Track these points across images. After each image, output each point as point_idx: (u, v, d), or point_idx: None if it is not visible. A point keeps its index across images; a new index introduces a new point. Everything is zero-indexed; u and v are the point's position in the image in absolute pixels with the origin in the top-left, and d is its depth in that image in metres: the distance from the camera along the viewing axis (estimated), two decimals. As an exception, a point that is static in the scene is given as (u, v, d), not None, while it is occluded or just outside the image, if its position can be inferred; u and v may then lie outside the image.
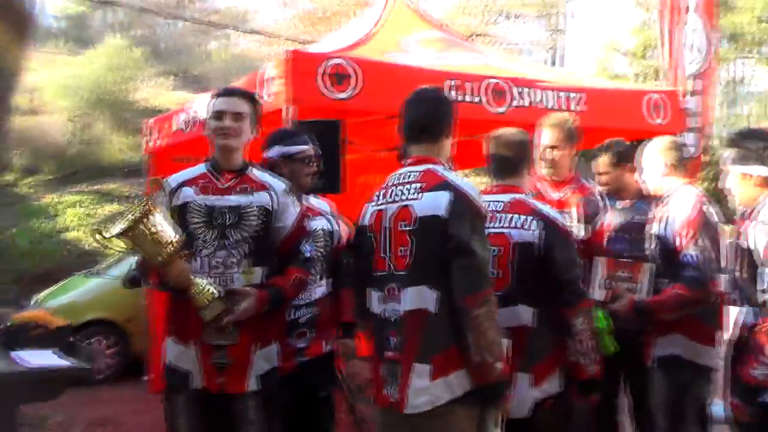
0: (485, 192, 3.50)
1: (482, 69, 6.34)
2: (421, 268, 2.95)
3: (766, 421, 3.27)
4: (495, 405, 2.95)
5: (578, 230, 4.43)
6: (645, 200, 4.46)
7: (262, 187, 3.57)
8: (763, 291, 3.26)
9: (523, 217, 3.34)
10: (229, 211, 3.46)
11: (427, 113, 3.22)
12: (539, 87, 6.18)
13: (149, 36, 28.48)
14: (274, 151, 4.04)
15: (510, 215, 3.37)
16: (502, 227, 3.35)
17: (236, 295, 3.35)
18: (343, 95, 5.14)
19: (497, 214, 3.39)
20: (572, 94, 6.33)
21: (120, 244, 3.37)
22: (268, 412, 3.50)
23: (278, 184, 3.64)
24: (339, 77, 5.12)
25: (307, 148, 4.15)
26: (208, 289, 3.30)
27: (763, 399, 3.26)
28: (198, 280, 3.31)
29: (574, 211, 4.55)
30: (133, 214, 3.25)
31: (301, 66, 5.04)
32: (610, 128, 6.64)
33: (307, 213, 3.87)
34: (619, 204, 4.64)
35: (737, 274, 3.52)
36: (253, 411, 3.45)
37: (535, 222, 3.31)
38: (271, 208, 3.53)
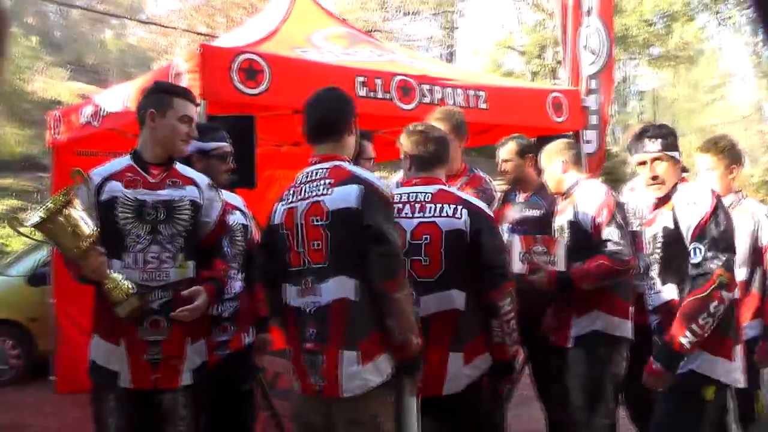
0: (407, 183, 3.65)
1: (389, 66, 6.43)
2: (338, 259, 3.07)
3: (683, 386, 3.52)
4: (413, 376, 3.14)
5: None
6: (540, 194, 4.74)
7: (190, 181, 3.57)
8: (696, 265, 3.47)
9: (452, 206, 3.45)
10: (161, 206, 3.43)
11: (329, 112, 3.32)
12: (444, 84, 6.31)
13: (40, 25, 27.50)
14: (191, 146, 4.03)
15: (439, 205, 3.48)
16: (433, 216, 3.46)
17: (186, 297, 3.35)
18: (254, 91, 5.13)
19: (426, 204, 3.50)
20: (476, 92, 6.48)
21: (37, 235, 3.31)
22: (196, 408, 3.49)
23: (202, 178, 3.65)
24: (251, 72, 5.12)
25: (225, 145, 4.17)
26: (125, 284, 3.25)
27: (685, 365, 3.50)
28: (114, 275, 3.26)
29: None
30: (53, 204, 3.16)
31: (213, 61, 5.00)
32: (514, 125, 6.87)
33: (227, 208, 3.88)
34: (518, 197, 4.88)
35: (650, 259, 3.77)
36: (182, 407, 3.43)
37: (463, 210, 3.44)
38: (200, 202, 3.54)
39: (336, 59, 6.22)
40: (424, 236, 3.43)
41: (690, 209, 3.57)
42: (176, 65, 5.16)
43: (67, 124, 7.23)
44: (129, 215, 3.38)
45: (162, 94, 3.58)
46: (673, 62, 34.77)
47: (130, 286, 3.26)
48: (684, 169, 3.88)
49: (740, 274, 4.24)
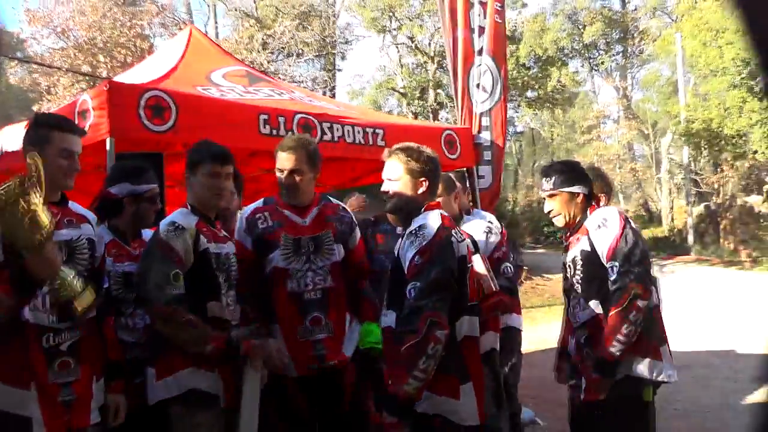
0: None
1: (290, 104, 6.52)
2: None
3: (624, 391, 3.91)
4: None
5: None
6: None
7: (83, 219, 3.58)
8: (613, 281, 3.89)
9: None
10: (63, 246, 3.36)
11: None
12: (344, 122, 6.43)
13: None
14: (122, 188, 4.05)
15: None
16: None
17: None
18: (161, 128, 5.14)
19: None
20: (374, 129, 6.64)
21: None
22: None
23: (90, 214, 3.69)
24: (158, 109, 5.14)
25: (155, 186, 4.19)
26: (75, 281, 3.17)
27: (619, 372, 3.90)
28: (66, 269, 3.16)
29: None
30: (7, 190, 2.82)
31: (120, 98, 4.98)
32: (410, 161, 7.08)
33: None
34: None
35: (573, 280, 4.16)
36: None
37: None
38: (95, 239, 3.58)
39: (238, 97, 6.29)
40: None
41: (602, 232, 4.00)
42: (82, 102, 5.12)
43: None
44: None
45: (39, 129, 3.44)
46: (549, 104, 36.18)
47: (79, 282, 3.18)
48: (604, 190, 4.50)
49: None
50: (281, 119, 5.92)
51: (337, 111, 6.94)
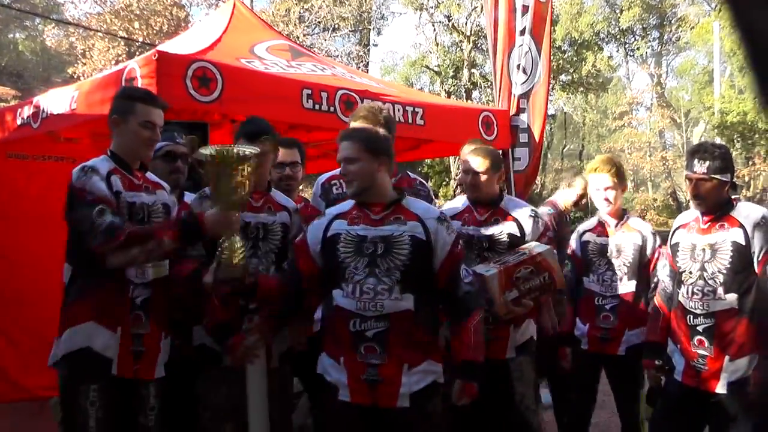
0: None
1: (332, 80, 6.57)
2: None
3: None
4: None
5: None
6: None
7: (159, 186, 3.83)
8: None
9: None
10: (144, 208, 3.67)
11: None
12: (385, 99, 6.47)
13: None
14: None
15: None
16: None
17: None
18: (207, 98, 5.21)
19: None
20: (414, 108, 6.68)
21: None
22: (164, 399, 3.70)
23: (164, 183, 3.93)
24: (204, 80, 5.21)
25: (168, 144, 4.30)
26: (241, 252, 3.41)
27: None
28: (237, 237, 3.41)
29: None
30: (238, 153, 3.31)
31: (168, 67, 5.04)
32: (448, 141, 7.13)
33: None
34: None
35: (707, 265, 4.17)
36: (154, 397, 3.63)
37: None
38: (170, 204, 3.82)
39: (282, 71, 6.35)
40: None
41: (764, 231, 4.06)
42: (130, 70, 5.19)
43: (0, 124, 7.12)
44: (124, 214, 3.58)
45: (125, 100, 3.71)
46: (583, 88, 35.91)
47: (242, 256, 3.41)
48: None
49: (630, 286, 4.85)
50: (324, 94, 5.97)
51: (377, 88, 6.99)
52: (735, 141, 28.09)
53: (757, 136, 25.89)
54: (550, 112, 40.75)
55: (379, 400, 3.39)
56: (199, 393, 3.85)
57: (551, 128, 42.02)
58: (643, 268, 4.87)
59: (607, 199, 4.89)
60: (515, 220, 4.42)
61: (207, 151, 3.32)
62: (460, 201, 4.66)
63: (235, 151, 3.31)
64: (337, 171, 4.38)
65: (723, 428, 4.07)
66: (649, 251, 4.87)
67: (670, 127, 41.66)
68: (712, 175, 4.06)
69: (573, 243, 5.18)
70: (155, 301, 3.63)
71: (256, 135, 3.90)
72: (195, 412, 3.90)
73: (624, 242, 4.89)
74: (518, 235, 4.39)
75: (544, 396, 6.51)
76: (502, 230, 4.40)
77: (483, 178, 4.45)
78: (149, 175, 3.84)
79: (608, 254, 4.91)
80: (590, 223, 5.16)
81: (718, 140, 30.63)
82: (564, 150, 45.65)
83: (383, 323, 3.36)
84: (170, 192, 3.95)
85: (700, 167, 4.07)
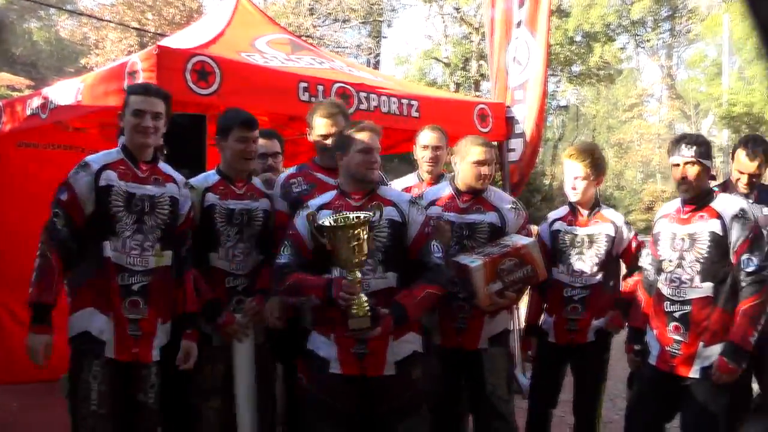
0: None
1: (329, 73, 6.78)
2: None
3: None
4: None
5: None
6: None
7: (170, 178, 4.00)
8: (749, 273, 4.12)
9: None
10: (147, 199, 3.85)
11: None
12: (380, 93, 6.70)
13: (-36, 13, 26.84)
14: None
15: None
16: None
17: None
18: (206, 91, 5.44)
19: None
20: (409, 101, 6.90)
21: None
22: (163, 379, 3.94)
23: (178, 176, 4.08)
24: (203, 74, 5.44)
25: None
26: (366, 304, 3.58)
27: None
28: (362, 294, 3.59)
29: None
30: (350, 220, 3.58)
31: (168, 61, 5.28)
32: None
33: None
34: None
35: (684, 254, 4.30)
36: (155, 375, 3.89)
37: None
38: (178, 198, 3.98)
39: (280, 65, 6.56)
40: None
41: (740, 223, 4.17)
42: (132, 64, 5.42)
43: (11, 114, 7.35)
44: (119, 204, 3.80)
45: (125, 96, 3.99)
46: (593, 80, 35.82)
47: (369, 307, 3.59)
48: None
49: (599, 276, 4.84)
50: (320, 87, 6.20)
51: (374, 81, 7.19)
52: (742, 132, 28.09)
53: (763, 127, 25.89)
54: (562, 103, 40.77)
55: (367, 370, 3.73)
56: (187, 372, 4.09)
57: (563, 120, 41.96)
58: (612, 258, 4.88)
59: (574, 188, 4.83)
60: (497, 210, 4.51)
61: (326, 221, 3.61)
62: (445, 187, 4.75)
63: (352, 217, 3.60)
64: (294, 169, 4.65)
65: (694, 412, 4.18)
66: (624, 242, 4.87)
67: (680, 119, 41.59)
68: (699, 159, 4.20)
69: (542, 232, 5.07)
70: (155, 288, 3.85)
71: (253, 122, 4.29)
72: (183, 391, 4.18)
73: (596, 232, 4.83)
74: (499, 225, 4.48)
75: (521, 378, 6.66)
76: (483, 219, 4.48)
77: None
78: (163, 166, 4.02)
79: (579, 244, 4.86)
80: (561, 211, 5.10)
81: (725, 131, 30.68)
82: (575, 141, 45.57)
83: (373, 300, 3.66)
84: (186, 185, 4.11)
85: (688, 151, 4.21)
